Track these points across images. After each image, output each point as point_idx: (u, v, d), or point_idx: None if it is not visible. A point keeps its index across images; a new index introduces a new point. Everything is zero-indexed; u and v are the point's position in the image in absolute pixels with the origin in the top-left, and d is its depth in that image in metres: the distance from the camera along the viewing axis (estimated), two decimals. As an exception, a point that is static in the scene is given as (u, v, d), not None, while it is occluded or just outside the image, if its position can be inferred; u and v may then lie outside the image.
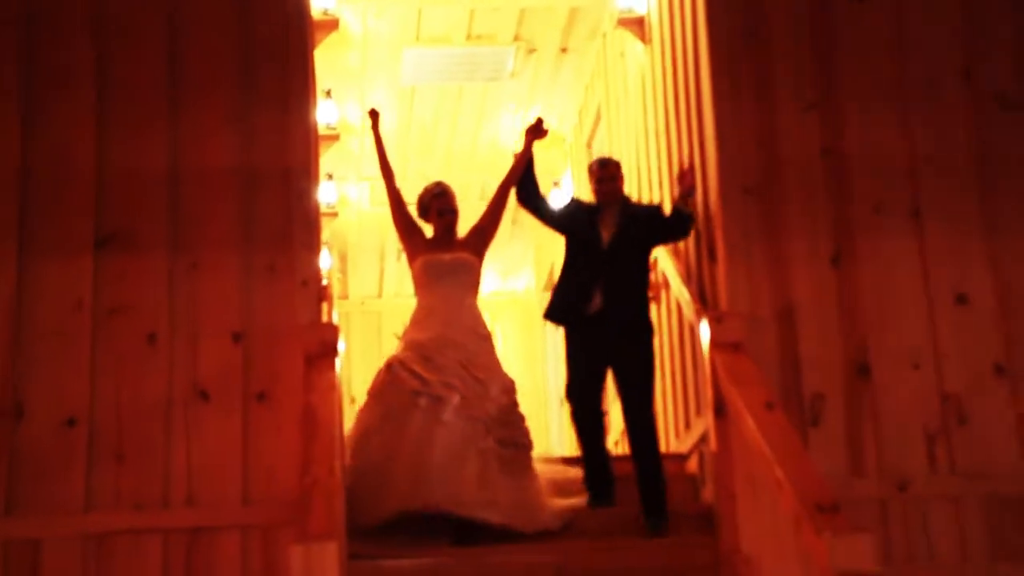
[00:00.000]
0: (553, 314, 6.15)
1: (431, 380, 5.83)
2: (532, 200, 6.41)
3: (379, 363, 6.22)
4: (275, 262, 5.68)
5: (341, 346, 5.72)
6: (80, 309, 5.54)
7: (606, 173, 6.27)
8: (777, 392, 5.59)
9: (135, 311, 5.57)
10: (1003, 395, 5.83)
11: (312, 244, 5.74)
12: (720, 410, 5.38)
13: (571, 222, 6.26)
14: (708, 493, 5.96)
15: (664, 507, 5.75)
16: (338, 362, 5.52)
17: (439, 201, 6.38)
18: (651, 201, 7.20)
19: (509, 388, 6.00)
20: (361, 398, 6.24)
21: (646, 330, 6.00)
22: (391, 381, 5.92)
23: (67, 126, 5.75)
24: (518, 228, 12.37)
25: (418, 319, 6.15)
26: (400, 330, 6.33)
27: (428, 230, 6.50)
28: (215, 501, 5.35)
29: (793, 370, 5.77)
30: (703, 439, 5.98)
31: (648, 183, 7.58)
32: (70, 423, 5.40)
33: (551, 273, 11.88)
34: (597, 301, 5.95)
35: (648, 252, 6.20)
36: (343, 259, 12.53)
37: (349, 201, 11.31)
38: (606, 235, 6.07)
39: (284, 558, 5.04)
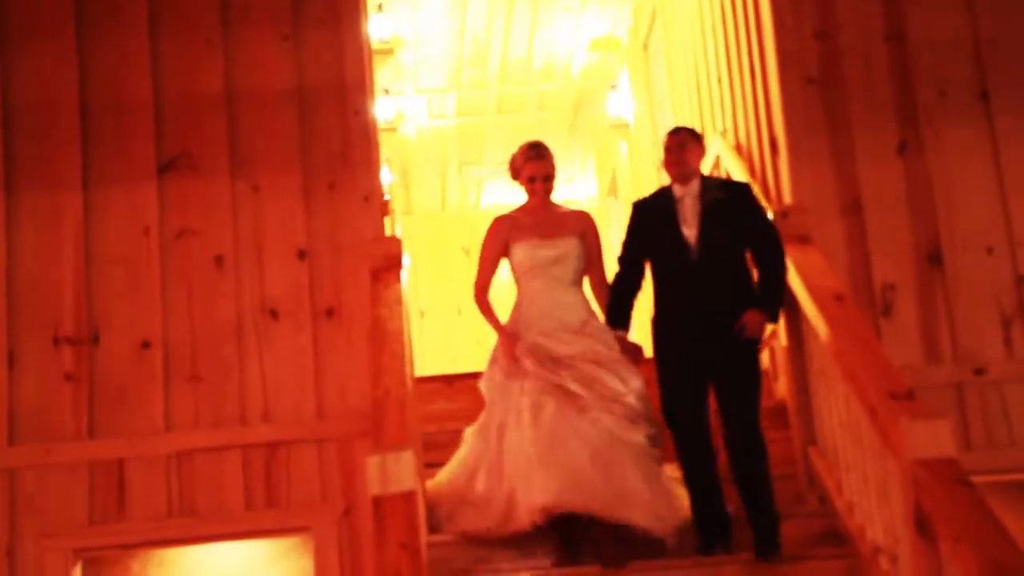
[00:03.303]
0: (658, 326, 5.19)
1: (557, 374, 5.15)
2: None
3: (445, 276, 6.19)
4: (336, 179, 5.70)
5: (406, 260, 5.73)
6: (147, 235, 5.61)
7: (673, 141, 5.25)
8: (847, 284, 5.54)
9: (201, 234, 5.62)
10: (1080, 275, 5.73)
11: (371, 160, 5.74)
12: (790, 304, 5.34)
13: (651, 241, 5.26)
14: (781, 387, 5.94)
15: (778, 537, 4.85)
16: (404, 275, 5.54)
17: (533, 166, 5.43)
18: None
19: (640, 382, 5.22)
20: (429, 311, 6.23)
21: (751, 340, 5.02)
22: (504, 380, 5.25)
23: (122, 55, 5.78)
24: (576, 135, 12.29)
25: (521, 313, 5.37)
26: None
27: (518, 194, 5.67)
28: (290, 416, 5.44)
29: (863, 261, 5.70)
30: (774, 334, 5.95)
31: (708, 84, 7.47)
32: (145, 346, 5.49)
33: (613, 179, 11.80)
34: (694, 310, 5.04)
35: (742, 248, 5.18)
36: (404, 174, 12.54)
37: (407, 116, 11.28)
38: (690, 235, 5.12)
39: (361, 469, 5.12)
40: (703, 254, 5.07)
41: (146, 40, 5.79)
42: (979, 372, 5.59)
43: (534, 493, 4.89)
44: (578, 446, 4.95)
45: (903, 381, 4.37)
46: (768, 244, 5.13)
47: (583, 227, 5.46)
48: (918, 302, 5.68)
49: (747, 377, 4.96)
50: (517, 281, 5.45)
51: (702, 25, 7.54)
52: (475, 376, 5.54)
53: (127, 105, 5.73)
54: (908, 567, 4.13)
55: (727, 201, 5.16)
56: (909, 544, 4.08)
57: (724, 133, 6.92)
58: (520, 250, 5.39)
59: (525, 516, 4.89)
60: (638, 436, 5.06)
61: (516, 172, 5.50)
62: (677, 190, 5.23)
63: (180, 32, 5.81)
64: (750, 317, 4.96)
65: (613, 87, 10.73)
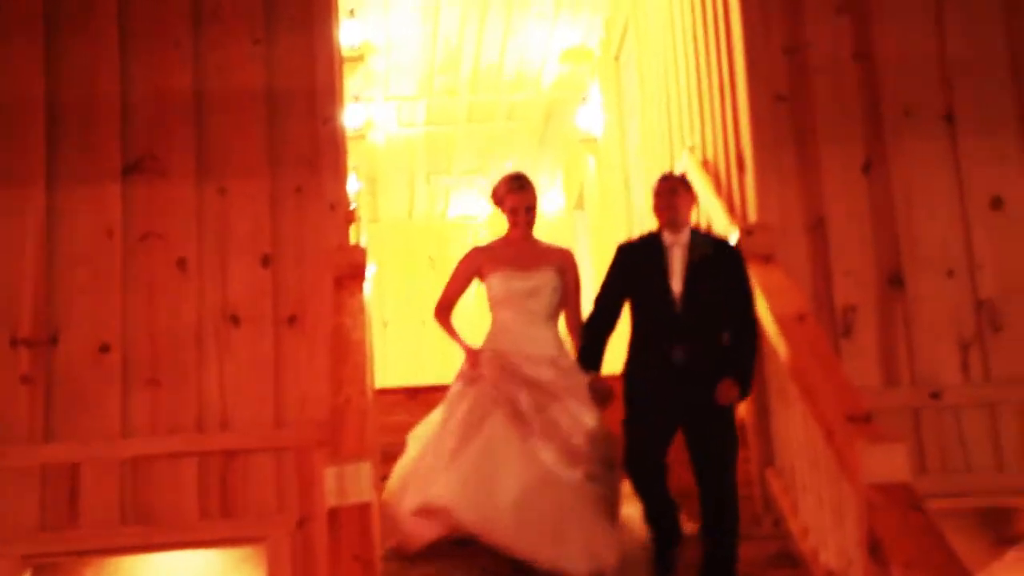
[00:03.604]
0: (632, 373, 5.07)
1: (513, 387, 5.10)
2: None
3: (410, 286, 6.18)
4: (302, 186, 5.67)
5: (371, 268, 5.71)
6: (111, 236, 5.57)
7: (664, 187, 5.15)
8: (809, 303, 5.56)
9: (165, 237, 5.59)
10: (1039, 301, 5.77)
11: (338, 168, 5.72)
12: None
13: (636, 286, 5.13)
14: (740, 408, 5.96)
15: None
16: (367, 285, 5.52)
17: (515, 197, 5.37)
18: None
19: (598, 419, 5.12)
20: (394, 321, 6.22)
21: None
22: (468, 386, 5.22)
23: (91, 54, 5.74)
24: (546, 147, 12.30)
25: (494, 343, 5.30)
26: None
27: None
28: (248, 424, 5.41)
29: (825, 281, 5.72)
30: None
31: (678, 98, 7.49)
32: (103, 350, 5.45)
33: (580, 193, 11.82)
34: (677, 357, 4.92)
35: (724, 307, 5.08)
36: (372, 182, 12.51)
37: (376, 123, 11.26)
38: (676, 288, 5.01)
39: (318, 479, 5.09)
40: (687, 308, 4.97)
41: (115, 39, 5.75)
42: (935, 396, 5.63)
43: (434, 487, 4.82)
44: (508, 474, 4.82)
45: (861, 403, 4.38)
46: (744, 318, 5.02)
47: (563, 263, 5.38)
48: (879, 324, 5.71)
49: (725, 437, 4.88)
50: (492, 311, 5.38)
51: (673, 39, 7.56)
52: (438, 389, 5.49)
53: (94, 104, 5.69)
54: (861, 590, 4.14)
55: (715, 259, 5.06)
56: (862, 568, 4.10)
57: (692, 149, 6.94)
58: (495, 280, 5.33)
59: (407, 515, 4.85)
60: (575, 474, 4.93)
61: (499, 201, 5.44)
62: (667, 238, 5.12)
63: (150, 32, 5.78)
64: (725, 389, 4.86)
65: (583, 100, 10.74)
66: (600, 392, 5.13)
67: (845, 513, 4.33)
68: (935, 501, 4.64)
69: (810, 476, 4.78)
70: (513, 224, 5.39)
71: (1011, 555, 5.77)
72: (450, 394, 5.27)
